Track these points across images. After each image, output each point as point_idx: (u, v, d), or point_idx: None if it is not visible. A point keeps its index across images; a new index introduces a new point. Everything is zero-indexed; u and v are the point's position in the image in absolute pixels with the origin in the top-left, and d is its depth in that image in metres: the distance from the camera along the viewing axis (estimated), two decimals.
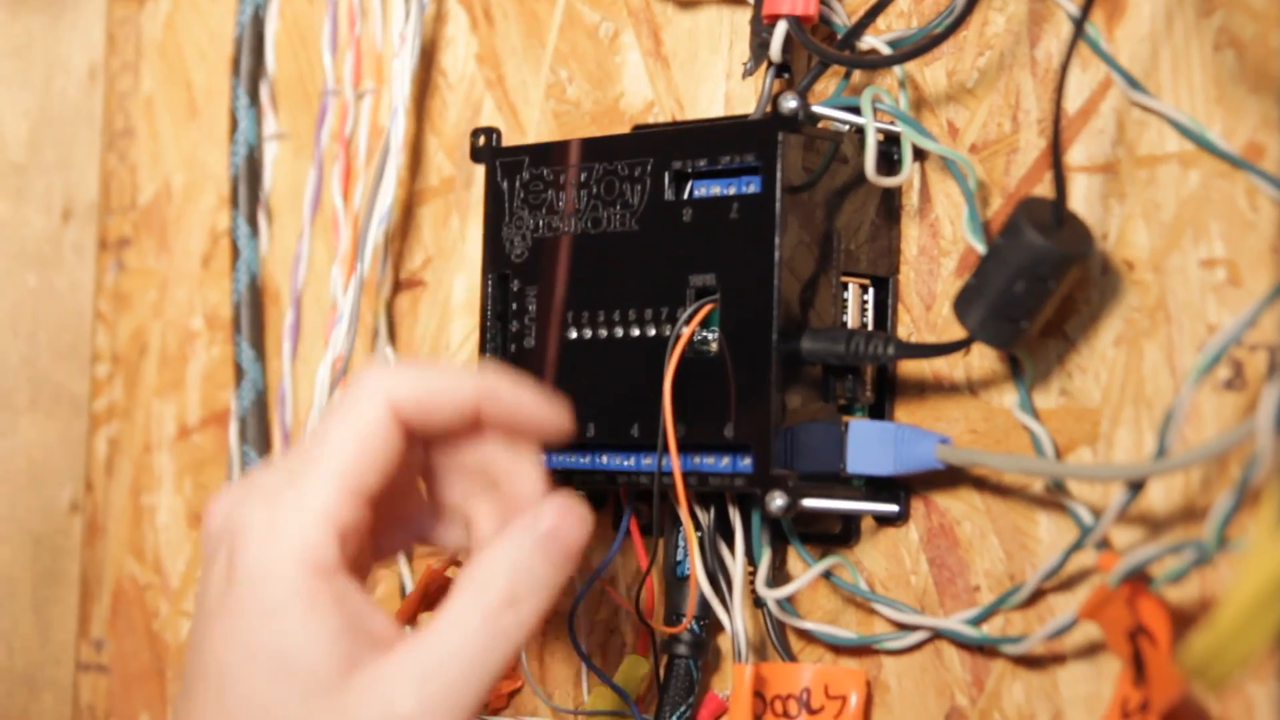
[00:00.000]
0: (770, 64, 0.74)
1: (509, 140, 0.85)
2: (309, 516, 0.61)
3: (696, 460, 0.71)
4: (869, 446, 0.70)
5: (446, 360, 0.88)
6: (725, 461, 0.71)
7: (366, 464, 0.62)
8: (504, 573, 0.62)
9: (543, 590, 0.63)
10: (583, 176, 0.75)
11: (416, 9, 0.87)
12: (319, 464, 0.62)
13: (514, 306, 0.77)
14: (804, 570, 0.73)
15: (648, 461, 0.73)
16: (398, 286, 0.91)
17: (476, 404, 0.65)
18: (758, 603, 0.74)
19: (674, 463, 0.70)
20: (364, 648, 0.61)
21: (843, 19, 0.74)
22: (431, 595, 0.79)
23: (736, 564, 0.73)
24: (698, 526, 0.74)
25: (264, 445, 0.93)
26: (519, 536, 0.63)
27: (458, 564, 0.79)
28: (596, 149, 0.75)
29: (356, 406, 0.63)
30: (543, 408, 0.66)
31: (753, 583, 0.73)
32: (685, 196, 0.73)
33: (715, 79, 0.80)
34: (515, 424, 0.66)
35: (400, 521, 0.68)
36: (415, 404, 0.63)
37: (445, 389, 0.64)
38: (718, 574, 0.74)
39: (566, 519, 0.64)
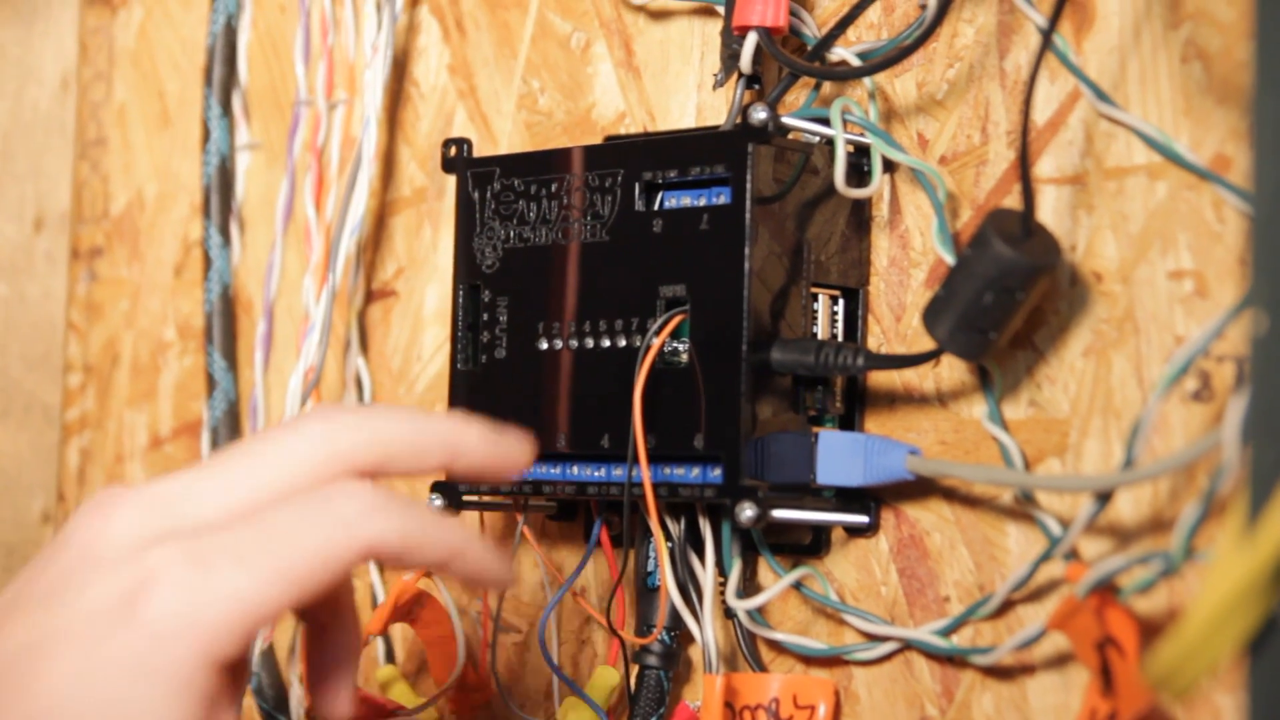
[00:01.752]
0: (741, 75, 0.74)
1: (481, 151, 0.85)
2: (242, 601, 0.57)
3: (667, 471, 0.71)
4: (839, 457, 0.70)
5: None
6: (695, 472, 0.71)
7: (316, 587, 0.58)
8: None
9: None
10: (554, 187, 0.75)
11: (389, 19, 0.87)
12: (281, 558, 0.57)
13: (485, 317, 0.77)
14: (774, 581, 0.73)
15: (618, 472, 0.73)
16: (370, 297, 0.91)
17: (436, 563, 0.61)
18: (728, 613, 0.74)
19: (644, 473, 0.70)
20: None
21: (813, 30, 0.74)
22: (403, 607, 0.79)
23: (707, 575, 0.73)
24: (668, 537, 0.74)
25: None
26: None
27: (428, 575, 0.79)
28: (568, 160, 0.75)
29: (343, 533, 0.58)
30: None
31: (723, 593, 0.73)
32: (656, 207, 0.73)
33: (686, 90, 0.80)
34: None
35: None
36: (386, 554, 0.59)
37: (420, 550, 0.60)
38: (688, 585, 0.74)
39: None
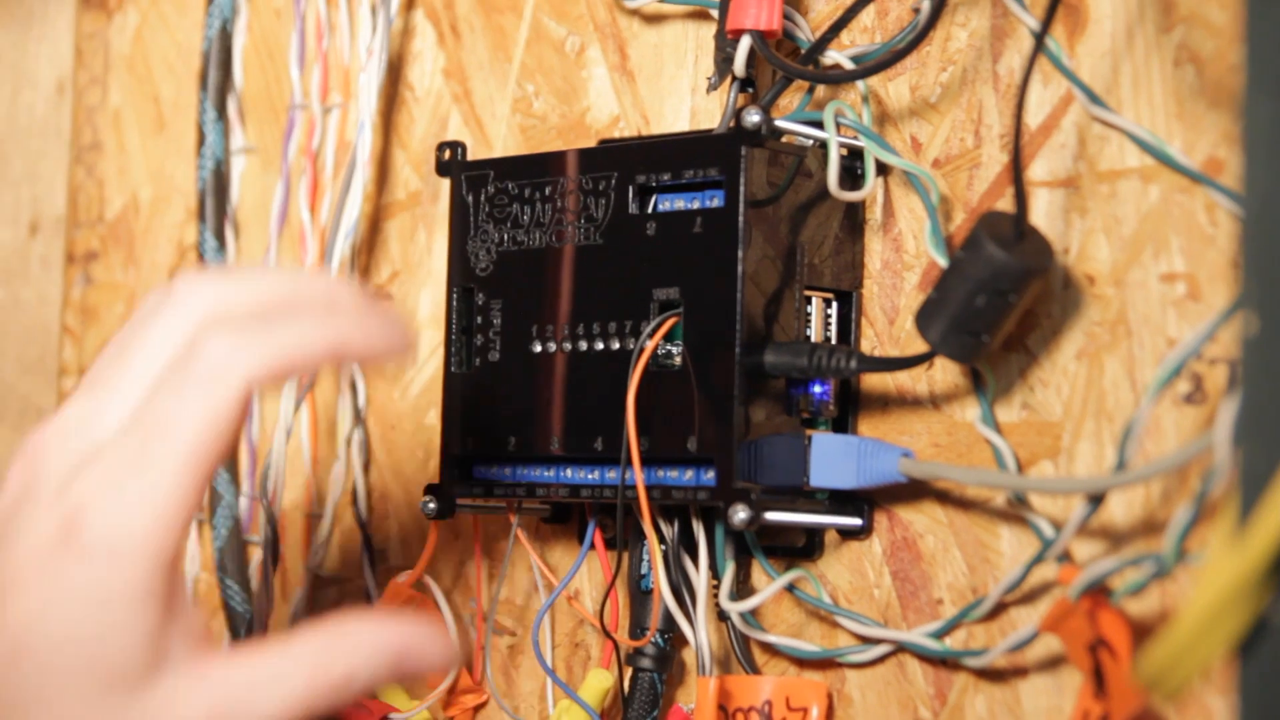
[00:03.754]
0: (734, 79, 0.74)
1: (476, 154, 0.85)
2: (161, 503, 0.59)
3: (660, 474, 0.71)
4: (832, 460, 0.70)
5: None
6: (689, 475, 0.71)
7: (219, 451, 0.60)
8: (354, 659, 0.61)
9: (367, 688, 0.62)
10: (548, 190, 0.76)
11: (384, 23, 0.87)
12: (173, 447, 0.60)
13: (479, 320, 0.77)
14: (768, 583, 0.73)
15: (612, 475, 0.73)
16: None
17: (324, 363, 0.63)
18: (721, 616, 0.74)
19: (637, 476, 0.71)
20: (177, 645, 0.60)
21: (806, 34, 0.74)
22: (396, 610, 0.79)
23: (700, 577, 0.73)
24: (661, 540, 0.74)
25: (230, 462, 0.93)
26: (384, 635, 0.61)
27: (418, 578, 0.79)
28: (561, 163, 0.75)
29: (213, 386, 0.60)
30: (388, 338, 0.63)
31: (716, 596, 0.74)
32: (649, 210, 0.73)
33: (681, 93, 0.80)
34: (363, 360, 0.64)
35: None
36: (269, 378, 0.61)
37: (300, 359, 0.61)
38: (681, 587, 0.74)
39: (432, 649, 0.62)
